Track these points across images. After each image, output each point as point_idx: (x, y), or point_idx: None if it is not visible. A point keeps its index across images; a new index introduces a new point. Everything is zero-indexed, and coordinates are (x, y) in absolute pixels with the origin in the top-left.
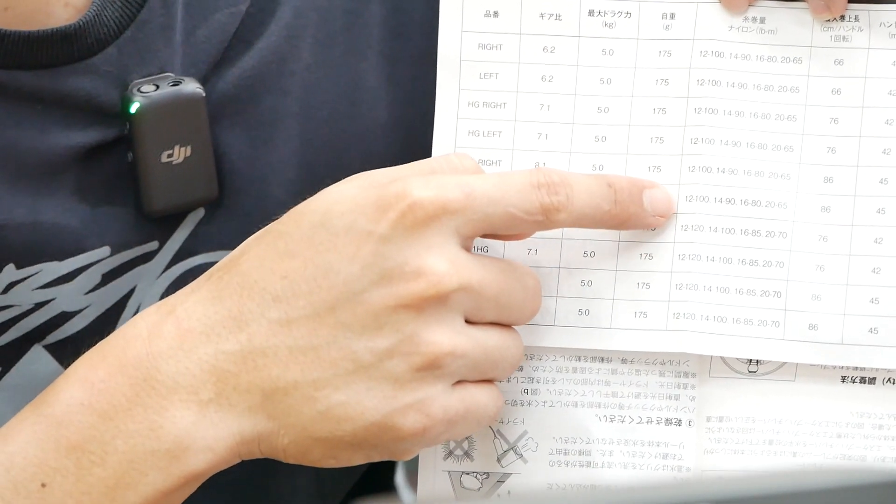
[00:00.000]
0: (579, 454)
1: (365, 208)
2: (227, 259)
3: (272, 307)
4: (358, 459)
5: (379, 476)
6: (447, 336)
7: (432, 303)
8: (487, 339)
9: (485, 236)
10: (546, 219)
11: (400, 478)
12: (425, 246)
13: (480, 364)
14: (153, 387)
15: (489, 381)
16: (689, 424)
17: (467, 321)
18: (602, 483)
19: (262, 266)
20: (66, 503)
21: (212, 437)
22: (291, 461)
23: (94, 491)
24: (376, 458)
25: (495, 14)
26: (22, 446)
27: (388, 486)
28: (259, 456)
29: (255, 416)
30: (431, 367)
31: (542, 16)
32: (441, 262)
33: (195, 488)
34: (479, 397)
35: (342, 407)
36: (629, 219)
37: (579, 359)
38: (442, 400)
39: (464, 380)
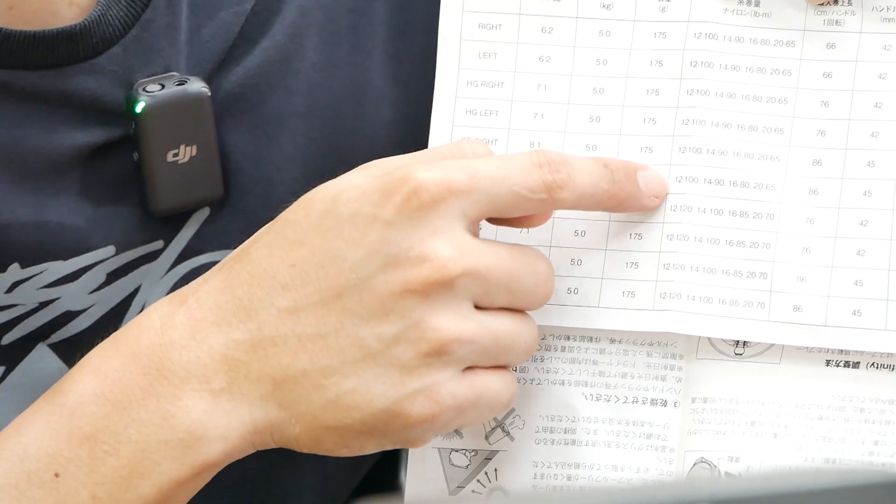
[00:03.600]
0: (564, 432)
1: (370, 194)
2: (239, 249)
3: (281, 295)
4: (370, 447)
5: (384, 475)
6: (454, 322)
7: (438, 288)
8: (497, 325)
9: (491, 221)
10: (549, 196)
11: (404, 476)
12: (430, 230)
13: (491, 350)
14: (166, 376)
15: (503, 366)
16: (675, 405)
17: (478, 307)
18: (586, 460)
19: (271, 255)
20: (80, 493)
21: (224, 427)
22: (305, 450)
23: (107, 481)
24: (389, 446)
25: None
26: (36, 436)
27: (392, 486)
28: (273, 445)
29: (267, 405)
30: (438, 354)
31: None
32: (446, 247)
33: (209, 479)
34: (491, 383)
35: (351, 395)
36: (626, 199)
37: (568, 338)
38: (451, 386)
39: (476, 366)
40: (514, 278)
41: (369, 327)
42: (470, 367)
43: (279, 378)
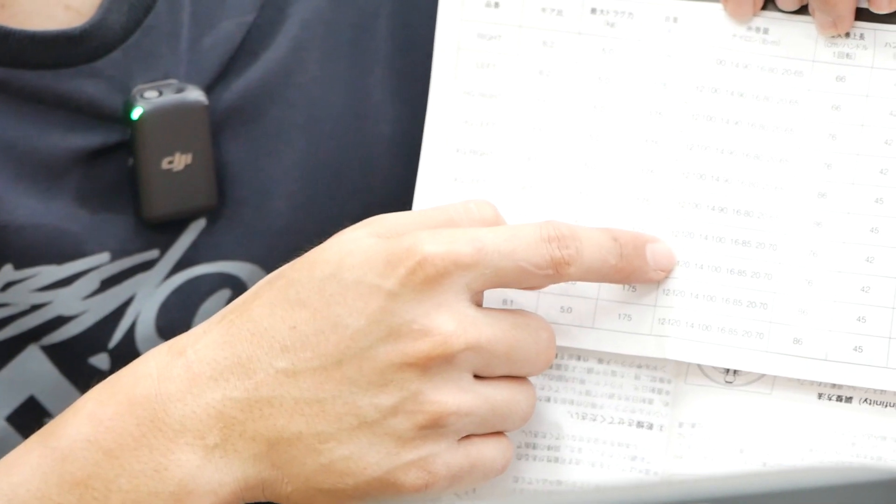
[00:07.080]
0: (548, 449)
1: (375, 262)
2: (240, 301)
3: (280, 357)
4: None
5: None
6: (452, 395)
7: (438, 362)
8: (496, 395)
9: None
10: (556, 272)
11: None
12: (434, 304)
13: (488, 420)
14: (160, 428)
15: (499, 433)
16: (661, 429)
17: (477, 376)
18: (568, 478)
19: (272, 314)
20: None
21: (216, 482)
22: None
23: None
24: None
25: (496, 5)
26: (26, 478)
27: None
28: (262, 500)
29: (260, 464)
30: (435, 426)
31: (543, 10)
32: (449, 322)
33: None
34: (486, 452)
35: (345, 461)
36: (633, 273)
37: (556, 355)
38: (446, 457)
39: (472, 434)
40: (515, 349)
41: (367, 397)
42: (466, 436)
43: (274, 439)
